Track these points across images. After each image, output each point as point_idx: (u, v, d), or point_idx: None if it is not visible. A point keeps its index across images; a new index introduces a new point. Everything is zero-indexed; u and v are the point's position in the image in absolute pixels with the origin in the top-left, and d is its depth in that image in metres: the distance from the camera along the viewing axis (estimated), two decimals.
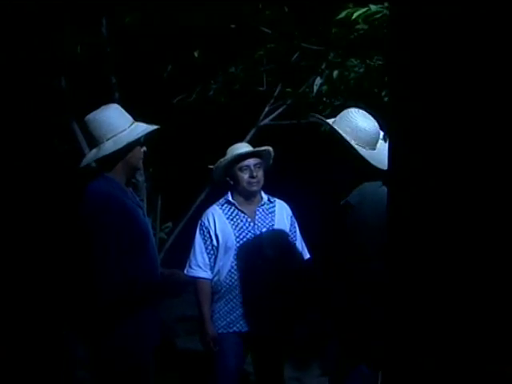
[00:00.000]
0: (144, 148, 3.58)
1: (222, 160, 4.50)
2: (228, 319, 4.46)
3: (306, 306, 4.85)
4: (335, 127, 3.67)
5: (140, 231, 3.53)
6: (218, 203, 4.61)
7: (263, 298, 4.44)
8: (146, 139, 3.61)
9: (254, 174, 4.45)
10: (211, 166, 4.54)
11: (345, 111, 3.77)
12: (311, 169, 7.27)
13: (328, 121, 3.76)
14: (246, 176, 4.45)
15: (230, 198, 4.56)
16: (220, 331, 4.46)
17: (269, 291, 4.45)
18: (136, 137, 3.49)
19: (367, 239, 3.56)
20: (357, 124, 3.68)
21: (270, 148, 4.55)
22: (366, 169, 3.65)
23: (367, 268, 3.52)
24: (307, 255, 4.65)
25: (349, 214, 3.71)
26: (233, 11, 5.29)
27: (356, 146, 3.63)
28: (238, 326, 4.46)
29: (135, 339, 3.49)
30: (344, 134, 3.64)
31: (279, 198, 4.67)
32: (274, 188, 4.65)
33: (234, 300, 4.45)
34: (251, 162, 4.46)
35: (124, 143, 3.46)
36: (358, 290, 3.63)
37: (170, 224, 6.10)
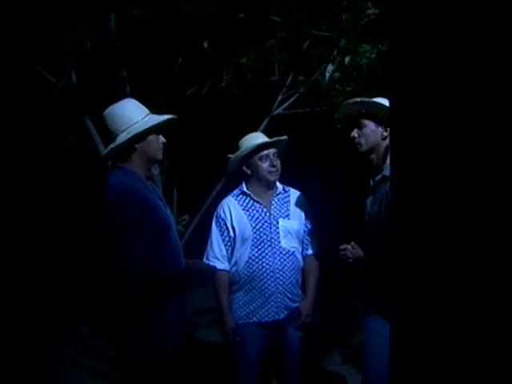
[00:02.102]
0: (163, 139, 3.57)
1: (242, 150, 4.49)
2: (247, 309, 4.46)
3: (328, 294, 4.84)
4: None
5: (162, 223, 3.51)
6: (232, 194, 4.60)
7: (282, 287, 4.45)
8: (163, 131, 3.60)
9: (274, 163, 4.46)
10: (230, 156, 4.53)
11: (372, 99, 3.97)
12: (325, 157, 7.25)
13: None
14: (266, 165, 4.46)
15: (245, 189, 4.55)
16: (240, 322, 4.46)
17: (287, 280, 4.46)
18: (147, 125, 3.49)
19: None
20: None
21: (287, 137, 4.55)
22: None
23: None
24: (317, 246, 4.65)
25: (389, 186, 3.77)
26: (242, 1, 5.27)
27: None
28: (257, 316, 4.46)
29: (160, 334, 3.46)
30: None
31: (293, 187, 4.66)
32: (288, 177, 4.64)
33: (253, 290, 4.45)
34: (271, 151, 4.48)
35: (135, 132, 3.47)
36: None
37: (186, 216, 6.09)
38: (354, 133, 3.96)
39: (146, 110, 3.58)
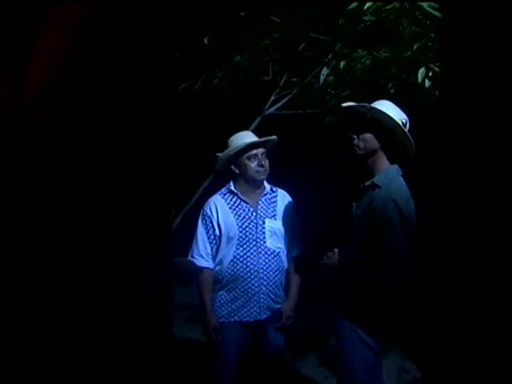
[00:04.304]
0: None
1: (230, 149, 4.48)
2: (229, 308, 4.47)
3: (305, 296, 4.85)
4: (383, 109, 3.89)
5: None
6: (220, 192, 4.60)
7: (265, 287, 4.45)
8: None
9: (263, 162, 4.46)
10: (219, 154, 4.52)
11: (378, 101, 3.98)
12: (314, 159, 7.26)
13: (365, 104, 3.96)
14: (254, 165, 4.46)
15: (233, 188, 4.55)
16: (221, 320, 4.46)
17: (271, 281, 4.47)
18: None
19: (396, 214, 3.77)
20: (397, 109, 3.93)
21: (276, 137, 4.56)
22: (395, 153, 3.94)
23: (393, 241, 3.76)
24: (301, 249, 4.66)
25: (375, 193, 3.85)
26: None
27: (404, 128, 3.89)
28: (239, 315, 4.46)
29: None
30: (394, 117, 3.88)
31: (281, 188, 4.67)
32: (277, 178, 4.64)
33: (236, 289, 4.45)
34: (259, 150, 4.47)
35: None
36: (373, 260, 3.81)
37: (172, 212, 6.07)
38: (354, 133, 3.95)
39: None
